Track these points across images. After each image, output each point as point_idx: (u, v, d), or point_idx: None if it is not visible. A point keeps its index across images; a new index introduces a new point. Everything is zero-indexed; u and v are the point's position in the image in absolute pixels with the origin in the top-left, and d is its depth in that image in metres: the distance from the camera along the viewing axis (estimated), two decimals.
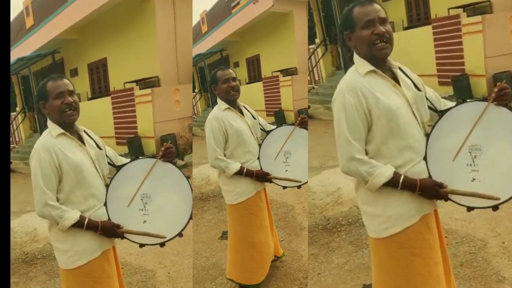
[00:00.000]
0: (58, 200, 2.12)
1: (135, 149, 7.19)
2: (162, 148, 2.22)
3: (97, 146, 2.28)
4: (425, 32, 7.11)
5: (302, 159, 3.08)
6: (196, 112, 11.18)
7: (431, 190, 1.86)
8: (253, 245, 3.07)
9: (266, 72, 9.45)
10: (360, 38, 1.94)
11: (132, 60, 7.68)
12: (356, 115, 1.89)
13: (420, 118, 1.96)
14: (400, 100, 1.92)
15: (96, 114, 7.68)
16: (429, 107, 2.01)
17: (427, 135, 1.93)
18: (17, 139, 10.37)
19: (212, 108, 3.13)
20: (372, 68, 1.94)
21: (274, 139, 3.09)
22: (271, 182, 3.07)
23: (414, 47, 6.88)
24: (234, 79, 3.04)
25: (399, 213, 1.90)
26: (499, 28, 6.14)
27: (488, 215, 3.53)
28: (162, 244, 2.17)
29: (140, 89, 7.42)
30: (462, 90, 6.31)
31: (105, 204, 2.19)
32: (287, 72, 8.83)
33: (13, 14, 9.58)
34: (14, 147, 10.12)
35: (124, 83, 7.68)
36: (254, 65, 9.95)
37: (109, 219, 2.17)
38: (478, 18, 6.23)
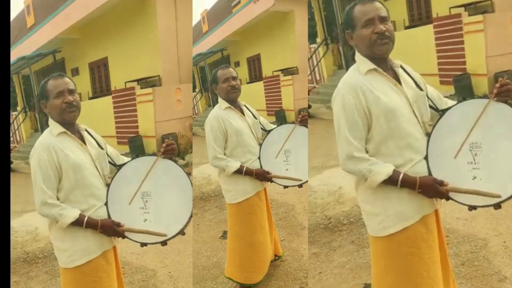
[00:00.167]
0: (58, 199, 2.12)
1: (136, 149, 7.19)
2: (164, 145, 2.21)
3: (99, 145, 2.27)
4: (427, 31, 7.11)
5: (302, 157, 3.07)
6: (197, 111, 11.18)
7: (431, 188, 1.85)
8: (252, 245, 3.07)
9: (267, 71, 9.45)
10: (360, 37, 1.94)
11: (133, 59, 7.68)
12: (356, 113, 1.89)
13: (421, 118, 1.95)
14: (401, 99, 1.92)
15: (97, 113, 7.68)
16: (430, 106, 2.00)
17: (428, 135, 1.93)
18: (18, 139, 10.37)
19: (213, 107, 3.13)
20: (373, 66, 1.93)
21: (274, 138, 3.08)
22: (271, 181, 3.07)
23: (415, 47, 6.87)
24: (234, 78, 3.04)
25: (398, 213, 1.89)
26: (501, 27, 6.13)
27: (490, 214, 3.52)
28: (163, 243, 2.15)
29: (141, 88, 7.42)
30: (463, 90, 6.30)
31: (106, 204, 2.19)
32: (288, 71, 8.83)
33: (14, 13, 9.60)
34: (15, 147, 10.12)
35: (125, 82, 7.68)
36: (254, 64, 9.95)
37: (109, 218, 2.16)
38: (479, 17, 6.22)
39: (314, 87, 9.09)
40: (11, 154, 9.52)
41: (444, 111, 1.94)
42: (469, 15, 6.44)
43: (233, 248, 3.14)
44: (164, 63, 7.38)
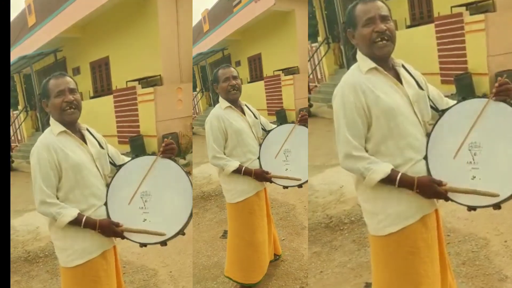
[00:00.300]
0: (58, 199, 2.12)
1: (137, 148, 7.19)
2: (163, 144, 2.21)
3: (99, 144, 2.27)
4: (428, 31, 7.10)
5: (302, 157, 3.06)
6: (198, 111, 11.19)
7: (429, 188, 1.85)
8: (251, 244, 3.07)
9: (267, 71, 9.45)
10: (361, 36, 1.94)
11: (135, 59, 7.68)
12: (355, 112, 1.89)
13: (422, 117, 1.95)
14: (401, 98, 1.92)
15: (98, 113, 7.68)
16: (430, 106, 2.00)
17: (428, 135, 1.93)
18: (19, 138, 10.39)
19: (214, 106, 3.13)
20: (374, 65, 1.93)
21: (274, 138, 3.08)
22: (270, 181, 3.06)
23: (416, 46, 6.86)
24: (235, 77, 3.04)
25: (398, 212, 1.89)
26: (502, 27, 6.12)
27: (491, 214, 3.51)
28: (163, 243, 2.14)
29: (142, 87, 7.42)
30: (464, 89, 6.29)
31: (105, 203, 2.18)
32: (289, 71, 8.82)
33: (15, 13, 9.61)
34: (16, 146, 10.14)
35: (127, 81, 7.68)
36: (255, 64, 9.95)
37: (109, 218, 2.16)
38: (481, 16, 6.22)
39: (316, 86, 9.09)
40: (12, 153, 9.53)
41: (444, 111, 1.94)
42: (471, 14, 6.43)
43: (232, 247, 3.15)
44: (165, 62, 7.38)
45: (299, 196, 4.83)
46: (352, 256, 3.37)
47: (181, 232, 2.14)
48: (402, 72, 1.98)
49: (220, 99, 3.08)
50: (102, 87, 8.58)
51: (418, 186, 1.85)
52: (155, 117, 7.19)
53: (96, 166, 2.20)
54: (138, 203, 2.18)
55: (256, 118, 3.16)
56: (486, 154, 1.82)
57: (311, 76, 9.17)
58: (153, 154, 2.23)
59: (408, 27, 7.94)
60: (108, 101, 7.94)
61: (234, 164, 2.95)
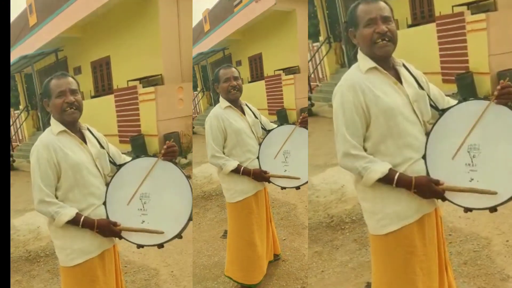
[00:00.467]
0: (57, 198, 2.12)
1: (138, 147, 7.20)
2: (165, 147, 2.20)
3: (100, 144, 2.27)
4: (429, 30, 7.09)
5: (301, 159, 3.05)
6: (198, 110, 11.18)
7: (426, 187, 1.85)
8: (250, 244, 3.07)
9: (268, 70, 9.43)
10: (362, 36, 1.94)
11: (136, 58, 7.68)
12: (354, 111, 1.90)
13: (421, 117, 1.95)
14: (401, 98, 1.92)
15: (99, 112, 7.68)
16: (431, 106, 1.99)
17: (427, 134, 1.92)
18: (20, 137, 10.39)
19: (215, 106, 3.13)
20: (374, 65, 1.93)
21: (274, 139, 3.08)
22: (269, 181, 3.05)
23: (418, 45, 6.85)
24: (235, 78, 3.04)
25: (397, 211, 1.90)
26: (504, 26, 6.11)
27: (492, 214, 3.50)
28: (160, 246, 2.14)
29: (143, 87, 7.43)
30: (466, 88, 6.28)
31: (104, 203, 2.18)
32: (290, 70, 8.81)
33: (17, 12, 9.60)
34: (17, 145, 10.15)
35: (127, 81, 7.68)
36: (256, 63, 9.94)
37: (107, 218, 2.16)
38: (482, 15, 6.20)
39: (317, 85, 9.08)
40: (13, 153, 9.54)
41: (444, 110, 1.94)
42: (472, 13, 6.42)
43: (232, 246, 3.15)
44: (166, 62, 7.38)
45: (300, 196, 4.83)
46: (353, 255, 3.36)
47: (179, 235, 2.14)
48: (402, 71, 1.99)
49: (221, 98, 3.09)
50: (103, 86, 8.58)
51: (416, 185, 1.85)
52: (156, 116, 7.19)
53: (96, 166, 2.20)
54: (137, 205, 2.17)
55: (256, 117, 3.16)
56: (484, 157, 1.82)
57: (312, 76, 9.16)
58: (155, 155, 2.22)
59: (409, 26, 7.93)
60: (109, 100, 7.94)
61: (232, 164, 2.95)
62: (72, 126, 2.21)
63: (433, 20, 7.15)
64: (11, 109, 10.49)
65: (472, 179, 1.83)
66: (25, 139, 10.33)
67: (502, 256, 3.07)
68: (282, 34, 9.08)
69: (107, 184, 2.21)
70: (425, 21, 7.65)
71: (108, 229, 2.14)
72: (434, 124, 1.92)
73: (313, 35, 9.50)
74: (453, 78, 6.52)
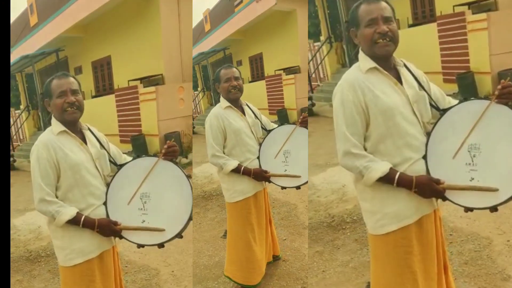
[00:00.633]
0: (57, 198, 2.12)
1: (139, 147, 7.20)
2: (165, 146, 2.20)
3: (101, 144, 2.27)
4: (430, 30, 7.08)
5: (301, 159, 3.05)
6: (199, 110, 11.19)
7: (427, 186, 1.85)
8: (249, 244, 3.07)
9: (269, 70, 9.44)
10: (363, 36, 1.95)
11: (136, 58, 7.69)
12: (354, 110, 1.90)
13: (421, 117, 1.95)
14: (400, 98, 1.92)
15: (100, 112, 7.69)
16: (431, 105, 1.99)
17: (428, 134, 1.92)
18: (21, 137, 10.40)
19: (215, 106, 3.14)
20: (374, 65, 1.93)
21: (274, 139, 3.07)
22: (269, 181, 3.05)
23: (419, 45, 6.85)
24: (236, 78, 3.04)
25: (396, 211, 1.90)
26: (504, 26, 6.10)
27: (493, 213, 3.49)
28: (160, 245, 2.14)
29: (144, 87, 7.43)
30: (467, 88, 6.28)
31: (105, 203, 2.18)
32: (290, 70, 8.81)
33: (17, 12, 9.61)
34: (18, 145, 10.16)
35: (128, 81, 7.69)
36: (257, 63, 9.94)
37: (108, 217, 2.16)
38: (483, 15, 6.20)
39: (318, 85, 9.08)
40: (14, 153, 9.55)
41: (445, 110, 1.93)
42: (473, 13, 6.41)
43: (231, 246, 3.15)
44: (167, 61, 7.38)
45: (300, 196, 4.83)
46: (354, 255, 3.36)
47: (179, 235, 2.14)
48: (403, 71, 1.99)
49: (221, 98, 3.09)
50: (104, 86, 8.59)
51: (417, 185, 1.85)
52: (157, 116, 7.19)
53: (95, 166, 2.20)
54: (137, 204, 2.17)
55: (257, 117, 3.16)
56: (485, 157, 1.82)
57: (313, 75, 9.17)
58: (155, 155, 2.22)
59: (410, 26, 7.93)
60: (110, 100, 7.94)
61: (233, 163, 2.95)
62: (73, 126, 2.21)
63: (434, 19, 7.14)
64: (12, 109, 10.50)
65: (473, 179, 1.83)
66: (25, 139, 10.34)
67: (503, 256, 3.06)
68: (283, 34, 9.08)
69: (108, 184, 2.21)
70: (426, 20, 7.65)
71: (108, 228, 2.13)
72: (435, 124, 1.92)
73: (314, 34, 9.50)
74: (454, 77, 6.51)
